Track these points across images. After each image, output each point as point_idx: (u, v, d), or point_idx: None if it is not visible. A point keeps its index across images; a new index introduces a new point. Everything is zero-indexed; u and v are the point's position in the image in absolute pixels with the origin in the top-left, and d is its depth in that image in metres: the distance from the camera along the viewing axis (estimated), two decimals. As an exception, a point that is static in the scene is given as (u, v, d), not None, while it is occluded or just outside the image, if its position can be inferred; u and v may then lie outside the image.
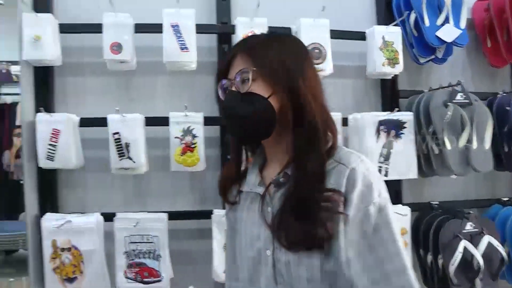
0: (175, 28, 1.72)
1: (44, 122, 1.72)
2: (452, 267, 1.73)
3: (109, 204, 1.88)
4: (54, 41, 1.76)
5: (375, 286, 0.88)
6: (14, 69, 6.71)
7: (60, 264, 1.71)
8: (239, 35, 1.80)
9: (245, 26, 1.79)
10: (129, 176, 1.86)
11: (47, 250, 1.71)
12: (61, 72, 1.89)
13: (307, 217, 0.89)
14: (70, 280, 1.72)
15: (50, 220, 1.72)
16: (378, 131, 1.87)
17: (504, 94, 2.06)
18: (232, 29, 1.85)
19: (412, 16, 1.97)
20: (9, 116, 5.91)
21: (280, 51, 0.98)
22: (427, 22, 1.95)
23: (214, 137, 1.85)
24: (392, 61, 1.94)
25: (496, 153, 1.99)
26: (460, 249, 1.75)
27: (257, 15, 1.82)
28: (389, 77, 2.02)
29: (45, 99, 1.85)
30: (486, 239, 1.81)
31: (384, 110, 2.04)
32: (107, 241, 1.75)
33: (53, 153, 1.71)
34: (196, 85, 1.91)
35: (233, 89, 0.99)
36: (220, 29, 1.91)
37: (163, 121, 1.77)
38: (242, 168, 1.14)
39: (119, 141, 1.69)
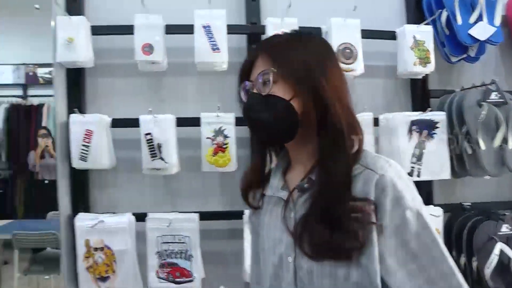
0: (207, 28, 1.72)
1: (77, 123, 1.74)
2: (488, 270, 1.70)
3: (140, 204, 1.89)
4: (87, 43, 1.78)
5: None
6: (41, 71, 6.83)
7: (93, 263, 1.73)
8: (269, 36, 1.79)
9: (276, 26, 1.79)
10: (159, 177, 1.87)
11: (81, 250, 1.73)
12: (92, 73, 1.91)
13: (335, 226, 0.86)
14: (103, 279, 1.73)
15: (83, 220, 1.74)
16: (410, 131, 1.84)
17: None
18: (262, 30, 1.85)
19: (444, 15, 1.94)
20: (36, 118, 6.02)
21: (302, 51, 0.95)
22: (459, 20, 1.91)
23: (245, 138, 1.85)
24: (424, 61, 1.91)
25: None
26: (496, 251, 1.71)
27: (287, 15, 1.81)
28: (420, 77, 1.99)
29: (77, 100, 1.87)
30: (524, 242, 1.78)
31: (414, 110, 2.01)
32: (138, 241, 1.77)
33: (86, 154, 1.73)
34: (227, 85, 1.91)
35: (255, 91, 0.97)
36: (251, 29, 1.91)
37: (194, 122, 1.77)
38: (266, 170, 1.11)
39: (151, 142, 1.71)
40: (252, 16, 1.94)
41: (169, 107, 1.87)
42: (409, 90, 2.09)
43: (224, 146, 1.74)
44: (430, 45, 1.93)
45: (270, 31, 1.80)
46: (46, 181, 5.44)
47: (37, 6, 1.87)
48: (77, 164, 1.75)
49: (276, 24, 1.80)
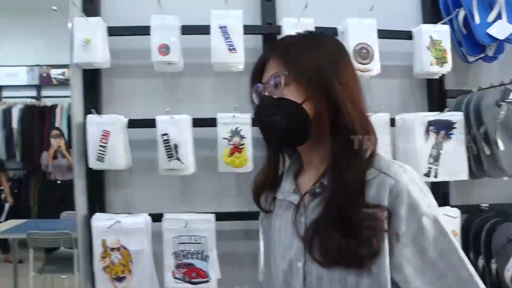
0: (223, 29, 1.72)
1: (94, 123, 1.75)
2: (508, 273, 1.68)
3: (156, 205, 1.89)
4: (103, 44, 1.79)
5: None
6: (54, 72, 6.90)
7: (110, 263, 1.73)
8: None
9: (292, 26, 1.78)
10: (175, 177, 1.87)
11: (97, 250, 1.74)
12: (108, 74, 1.92)
13: (347, 233, 0.85)
14: (119, 279, 1.74)
15: (99, 220, 1.75)
16: (427, 132, 1.82)
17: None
18: (278, 30, 1.84)
19: (461, 13, 1.92)
20: (49, 118, 6.07)
21: (314, 53, 0.94)
22: (477, 19, 1.89)
23: (261, 138, 1.85)
24: (440, 60, 1.90)
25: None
26: (516, 253, 1.70)
27: (303, 15, 1.81)
28: (436, 77, 1.98)
29: (93, 101, 1.88)
30: (544, 244, 1.75)
31: (430, 110, 2.00)
32: (154, 242, 1.77)
33: (103, 154, 1.73)
34: (243, 86, 1.89)
35: (266, 93, 0.96)
36: (267, 30, 1.91)
37: (210, 122, 1.77)
38: (280, 173, 1.10)
39: (168, 142, 1.71)
40: (267, 16, 1.93)
41: (185, 107, 1.87)
42: (425, 90, 2.07)
43: (241, 147, 1.74)
44: (447, 44, 1.91)
45: (286, 31, 1.79)
46: (58, 182, 5.50)
47: (54, 8, 1.89)
48: (93, 164, 1.76)
49: (292, 24, 1.79)
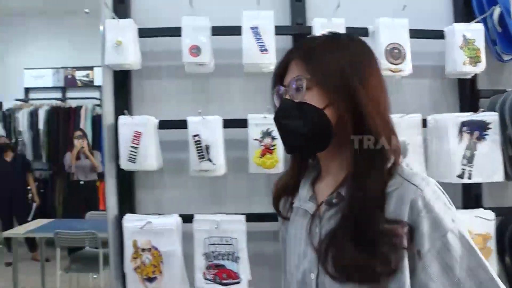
0: (255, 30, 1.72)
1: (126, 124, 1.76)
2: (546, 275, 1.64)
3: (185, 206, 1.90)
4: (134, 46, 1.80)
5: None
6: (79, 74, 7.01)
7: (141, 264, 1.74)
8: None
9: (322, 27, 1.76)
10: (205, 178, 1.86)
11: (128, 250, 1.75)
12: (138, 75, 1.93)
13: (364, 248, 0.80)
14: (150, 279, 1.74)
15: (130, 221, 1.76)
16: (460, 133, 1.79)
17: None
18: (308, 30, 1.83)
19: (496, 11, 1.88)
20: (74, 119, 6.17)
21: (338, 56, 0.89)
22: (513, 17, 1.85)
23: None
24: (474, 60, 1.86)
25: None
26: (554, 257, 1.65)
27: (334, 15, 1.79)
28: (469, 77, 1.94)
29: (123, 102, 1.89)
30: None
31: (462, 110, 1.96)
32: (184, 242, 1.77)
33: (135, 155, 1.74)
34: (273, 87, 1.90)
35: (287, 97, 0.93)
36: (297, 30, 1.89)
37: (241, 123, 1.77)
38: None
39: (199, 143, 1.71)
40: (297, 17, 1.92)
41: (215, 108, 1.87)
42: (457, 90, 2.04)
43: (272, 148, 1.73)
44: (480, 43, 1.87)
45: (316, 32, 1.77)
46: (81, 182, 5.58)
47: (87, 10, 1.91)
48: (125, 165, 1.77)
49: (322, 24, 1.78)
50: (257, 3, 1.74)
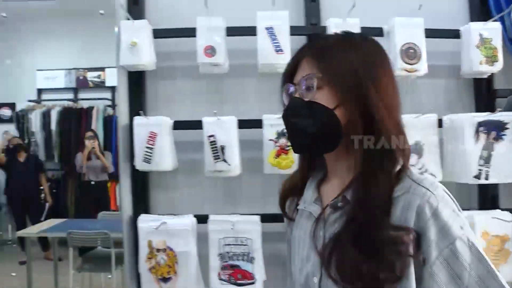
0: (270, 30, 1.71)
1: (141, 125, 1.77)
2: None
3: (200, 206, 1.90)
4: (149, 46, 1.80)
5: None
6: (90, 75, 7.04)
7: (156, 264, 1.75)
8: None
9: (337, 27, 1.75)
10: (219, 178, 1.87)
11: (143, 251, 1.75)
12: (152, 76, 1.94)
13: (368, 253, 0.78)
14: (165, 280, 1.75)
15: (145, 221, 1.77)
16: (477, 133, 1.77)
17: None
18: (323, 30, 1.82)
19: (514, 9, 1.86)
20: (86, 120, 6.21)
21: (351, 56, 0.87)
22: (532, 15, 1.83)
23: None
24: (491, 59, 1.84)
25: None
26: None
27: (349, 15, 1.78)
28: (485, 76, 1.92)
29: (138, 103, 1.90)
30: None
31: (478, 110, 1.94)
32: (198, 243, 1.77)
33: (150, 156, 1.75)
34: (288, 87, 1.89)
35: (297, 95, 0.90)
36: (312, 30, 1.89)
37: (256, 124, 1.77)
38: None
39: (215, 144, 1.71)
40: (311, 17, 1.91)
41: (230, 109, 1.87)
42: (473, 90, 2.02)
43: (287, 148, 1.72)
44: (498, 42, 1.85)
45: (331, 32, 1.76)
46: (92, 182, 5.61)
47: (101, 11, 1.91)
48: (140, 166, 1.78)
49: (337, 24, 1.77)
50: (272, 4, 1.74)
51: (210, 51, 1.74)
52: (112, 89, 6.52)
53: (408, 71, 1.80)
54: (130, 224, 1.87)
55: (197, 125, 1.76)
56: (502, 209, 1.84)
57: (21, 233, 4.48)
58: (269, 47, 1.71)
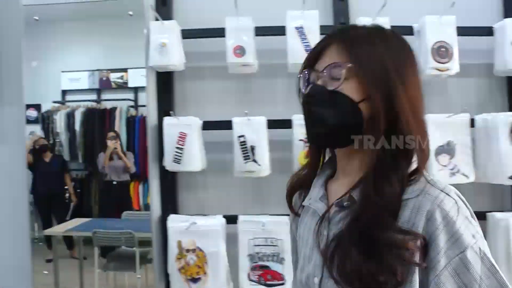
0: (300, 30, 1.70)
1: (171, 125, 1.77)
2: None
3: (228, 206, 1.90)
4: (178, 47, 1.81)
5: None
6: (113, 76, 7.13)
7: (185, 264, 1.75)
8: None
9: (367, 26, 1.73)
10: (248, 179, 1.86)
11: (173, 251, 1.76)
12: (181, 76, 1.94)
13: (369, 256, 0.74)
14: (194, 280, 1.75)
15: (175, 222, 1.77)
16: (512, 133, 1.73)
17: None
18: (353, 30, 1.80)
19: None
20: (109, 121, 6.28)
21: (383, 50, 0.82)
22: None
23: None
24: (526, 57, 1.79)
25: None
26: None
27: (378, 14, 1.76)
28: (519, 74, 1.88)
29: (166, 104, 1.91)
30: None
31: (511, 110, 1.90)
32: (227, 243, 1.77)
33: (180, 156, 1.75)
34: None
35: (319, 82, 0.84)
36: (342, 30, 1.87)
37: (286, 124, 1.76)
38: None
39: (245, 144, 1.71)
40: (339, 16, 1.90)
41: (259, 109, 1.86)
42: (506, 89, 1.97)
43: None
44: (534, 39, 1.80)
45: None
46: (114, 182, 5.65)
47: (130, 12, 1.93)
48: (170, 166, 1.78)
49: (367, 24, 1.74)
50: (303, 3, 1.72)
51: (240, 51, 1.74)
52: (135, 89, 6.54)
53: (440, 70, 1.77)
54: (158, 224, 1.87)
55: (226, 125, 1.76)
56: (536, 211, 1.80)
57: (48, 231, 4.55)
58: (299, 47, 1.70)
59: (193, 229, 1.73)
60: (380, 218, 0.76)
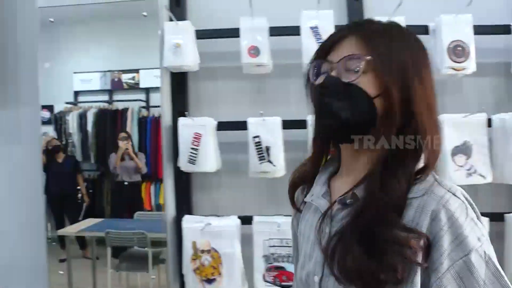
0: (314, 30, 1.70)
1: (186, 126, 1.77)
2: None
3: (243, 207, 1.89)
4: (193, 48, 1.81)
5: None
6: (125, 77, 7.17)
7: (200, 265, 1.75)
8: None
9: (382, 26, 1.72)
10: (262, 179, 1.85)
11: (188, 252, 1.76)
12: (194, 77, 1.94)
13: (370, 253, 0.72)
14: (209, 281, 1.75)
15: (190, 222, 1.77)
16: (530, 133, 1.71)
17: None
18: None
19: None
20: (121, 121, 6.30)
21: (401, 47, 0.80)
22: None
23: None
24: (545, 55, 1.77)
25: None
26: None
27: (393, 14, 1.74)
28: (537, 73, 1.85)
29: (180, 104, 1.91)
30: None
31: (529, 109, 1.87)
32: (242, 244, 1.77)
33: (195, 157, 1.75)
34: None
35: (333, 74, 0.81)
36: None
37: (301, 124, 1.75)
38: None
39: (260, 145, 1.70)
40: (354, 16, 1.88)
41: (273, 109, 1.85)
42: (522, 88, 1.95)
43: (332, 149, 1.70)
44: (553, 36, 1.78)
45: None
46: (125, 183, 5.68)
47: (145, 13, 1.93)
48: (185, 167, 1.78)
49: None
50: (318, 2, 1.71)
51: (254, 51, 1.74)
52: (146, 90, 6.59)
53: (456, 70, 1.75)
54: (173, 225, 1.87)
55: (241, 125, 1.76)
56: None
57: (62, 232, 4.58)
58: (313, 47, 1.67)
59: (208, 229, 1.73)
60: (384, 215, 0.73)
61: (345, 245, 0.75)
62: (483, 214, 0.80)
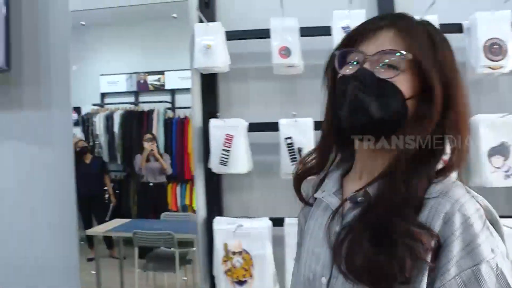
0: (346, 30, 1.67)
1: (217, 127, 1.77)
2: None
3: (274, 209, 1.88)
4: (223, 49, 1.81)
5: None
6: (151, 78, 7.24)
7: (231, 267, 1.75)
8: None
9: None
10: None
11: (219, 253, 1.76)
12: (225, 78, 1.94)
13: (382, 248, 0.68)
14: (240, 283, 1.74)
15: (221, 224, 1.77)
16: None
17: None
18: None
19: None
20: (147, 123, 6.37)
21: (440, 45, 0.77)
22: None
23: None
24: None
25: None
26: None
27: (425, 12, 1.71)
28: None
29: (211, 105, 1.91)
30: None
31: None
32: (273, 246, 1.76)
33: (227, 158, 1.75)
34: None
35: (366, 66, 0.77)
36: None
37: (332, 125, 1.73)
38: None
39: (292, 146, 1.69)
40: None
41: (305, 110, 1.82)
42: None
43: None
44: None
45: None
46: (150, 184, 5.73)
47: (174, 15, 1.94)
48: (216, 168, 1.78)
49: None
50: (349, 2, 1.69)
51: (285, 52, 1.73)
52: (172, 92, 6.65)
53: (492, 68, 1.71)
54: (203, 226, 1.88)
55: (272, 127, 1.75)
56: None
57: (90, 232, 4.65)
58: (346, 47, 1.67)
59: (240, 231, 1.73)
60: (401, 209, 0.71)
61: (354, 238, 0.73)
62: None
